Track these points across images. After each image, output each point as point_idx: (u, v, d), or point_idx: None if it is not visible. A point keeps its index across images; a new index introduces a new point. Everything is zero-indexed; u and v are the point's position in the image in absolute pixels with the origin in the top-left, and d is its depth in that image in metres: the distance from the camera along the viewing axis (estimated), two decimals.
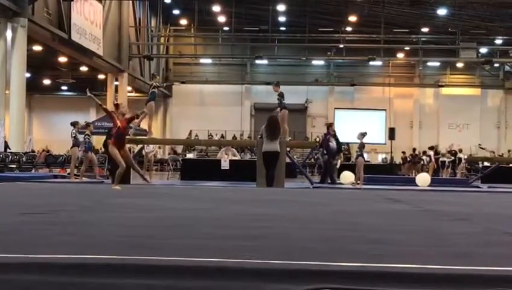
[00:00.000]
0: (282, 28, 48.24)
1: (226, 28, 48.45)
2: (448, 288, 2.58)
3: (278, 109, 17.13)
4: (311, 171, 36.19)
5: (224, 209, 7.21)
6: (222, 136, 46.93)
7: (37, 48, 33.87)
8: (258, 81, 51.38)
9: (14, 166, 24.70)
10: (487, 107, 51.66)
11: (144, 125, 20.17)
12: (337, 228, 5.30)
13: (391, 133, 37.60)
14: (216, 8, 44.79)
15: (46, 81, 49.26)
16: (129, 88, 42.28)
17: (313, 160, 36.92)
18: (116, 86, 40.01)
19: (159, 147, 23.81)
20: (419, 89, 52.13)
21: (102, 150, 23.42)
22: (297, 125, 40.63)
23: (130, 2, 41.48)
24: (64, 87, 51.38)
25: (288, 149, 18.24)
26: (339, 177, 20.07)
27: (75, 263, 2.87)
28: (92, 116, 47.25)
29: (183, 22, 50.00)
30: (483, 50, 48.13)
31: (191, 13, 45.85)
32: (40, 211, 6.05)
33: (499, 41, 47.29)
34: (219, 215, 6.24)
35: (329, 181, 19.63)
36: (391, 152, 38.03)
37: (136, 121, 20.63)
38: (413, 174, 32.10)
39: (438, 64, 51.11)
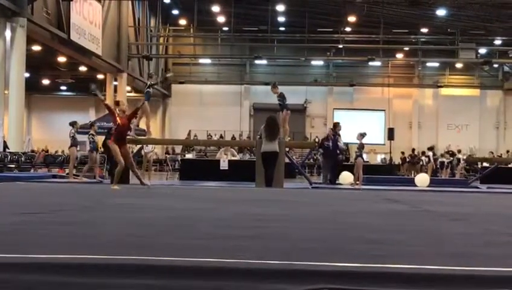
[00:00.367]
0: (282, 28, 48.23)
1: (225, 28, 48.44)
2: (446, 288, 2.58)
3: (282, 111, 17.09)
4: (310, 171, 36.20)
5: (223, 209, 7.21)
6: (221, 136, 46.90)
7: (36, 47, 33.84)
8: (257, 82, 51.34)
9: (13, 166, 24.70)
10: (486, 108, 51.65)
11: (142, 125, 20.19)
12: (336, 228, 5.31)
13: (390, 134, 37.61)
14: (215, 8, 44.77)
15: (45, 81, 49.23)
16: (128, 88, 42.26)
17: (312, 160, 36.98)
18: (115, 86, 39.98)
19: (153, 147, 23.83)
20: (419, 89, 52.12)
21: (102, 150, 23.38)
22: (296, 125, 40.56)
23: (129, 2, 41.45)
24: (63, 87, 51.35)
25: (287, 149, 18.25)
26: (338, 177, 20.08)
27: (74, 263, 2.87)
28: (91, 116, 47.25)
29: (183, 22, 49.96)
30: (483, 51, 48.13)
31: (190, 13, 45.82)
32: (39, 211, 6.05)
33: (498, 41, 47.29)
34: (218, 216, 6.25)
35: (329, 181, 19.65)
36: (390, 152, 38.03)
37: (135, 120, 20.65)
38: (412, 175, 32.14)
39: (437, 64, 51.10)
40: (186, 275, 2.70)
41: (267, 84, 48.79)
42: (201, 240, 4.06)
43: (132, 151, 23.00)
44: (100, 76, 43.41)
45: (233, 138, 46.81)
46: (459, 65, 50.13)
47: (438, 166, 32.68)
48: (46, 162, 27.80)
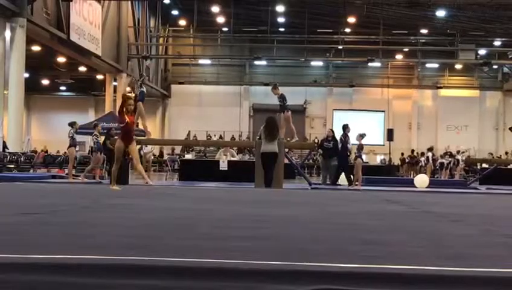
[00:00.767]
0: (281, 29, 48.27)
1: (225, 29, 48.48)
2: (443, 289, 2.59)
3: (283, 112, 17.10)
4: (309, 172, 36.20)
5: (223, 210, 7.22)
6: (221, 137, 46.90)
7: (36, 48, 33.88)
8: (256, 82, 51.38)
9: (12, 166, 24.72)
10: (485, 109, 51.68)
11: (141, 126, 20.18)
12: (335, 228, 5.32)
13: (390, 135, 37.62)
14: (215, 9, 44.80)
15: (45, 81, 49.26)
16: (128, 88, 42.24)
17: (311, 161, 36.98)
18: (115, 87, 39.99)
19: (152, 148, 23.79)
20: (418, 90, 52.16)
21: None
22: (295, 126, 40.43)
23: (129, 2, 41.46)
24: (62, 88, 51.37)
25: (286, 150, 18.25)
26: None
27: (73, 263, 2.88)
28: (90, 116, 47.28)
29: (182, 22, 49.99)
30: (482, 52, 48.16)
31: (190, 14, 45.84)
32: (38, 211, 6.06)
33: (497, 43, 47.33)
34: (218, 216, 6.25)
35: (328, 182, 19.67)
36: (389, 153, 38.05)
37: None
38: (412, 176, 32.15)
39: (436, 65, 51.14)
40: (186, 275, 2.70)
41: (266, 84, 48.98)
42: (201, 240, 4.06)
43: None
44: (100, 76, 43.43)
45: (232, 138, 46.82)
46: (458, 66, 50.18)
47: (437, 167, 32.71)
48: (45, 163, 27.79)
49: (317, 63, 51.35)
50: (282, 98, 17.10)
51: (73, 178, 19.26)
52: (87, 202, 8.19)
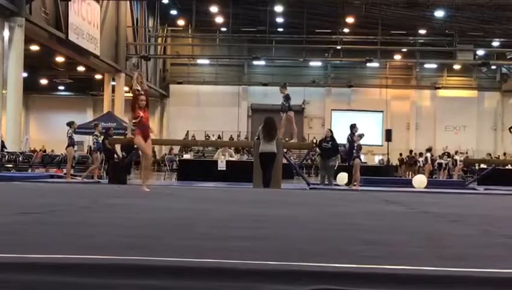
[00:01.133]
0: (280, 29, 48.27)
1: (223, 29, 48.46)
2: (441, 289, 2.59)
3: (286, 112, 17.12)
4: (307, 172, 36.21)
5: (221, 210, 7.22)
6: (219, 137, 46.90)
7: (34, 47, 33.84)
8: (255, 82, 51.41)
9: (11, 166, 24.71)
10: (484, 109, 51.72)
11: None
12: (334, 229, 5.32)
13: (388, 135, 37.64)
14: (214, 9, 44.78)
15: (43, 81, 49.22)
16: (126, 88, 42.24)
17: (309, 161, 36.97)
18: (113, 86, 39.98)
19: None
20: (416, 90, 52.20)
21: None
22: None
23: (128, 2, 41.44)
24: (61, 87, 51.33)
25: (285, 150, 18.25)
26: (335, 178, 20.09)
27: (73, 263, 2.88)
28: (89, 116, 47.27)
29: (181, 22, 49.99)
30: (480, 52, 48.19)
31: (188, 14, 45.84)
32: (36, 211, 6.06)
33: (495, 43, 47.35)
34: (216, 216, 6.25)
35: (326, 183, 19.67)
36: (388, 154, 38.09)
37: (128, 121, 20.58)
38: (410, 176, 32.16)
39: (434, 66, 51.17)
40: (185, 275, 2.70)
41: (265, 84, 49.11)
42: (200, 240, 4.07)
43: (128, 152, 22.98)
44: (98, 76, 43.41)
45: (231, 138, 46.83)
46: (456, 67, 50.21)
47: (436, 167, 32.73)
48: (43, 162, 27.78)
49: (315, 63, 51.37)
50: (287, 98, 17.15)
51: (72, 178, 19.26)
52: (86, 202, 8.19)
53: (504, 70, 51.27)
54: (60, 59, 40.36)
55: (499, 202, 11.96)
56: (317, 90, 51.68)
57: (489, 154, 35.51)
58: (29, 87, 39.80)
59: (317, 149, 21.05)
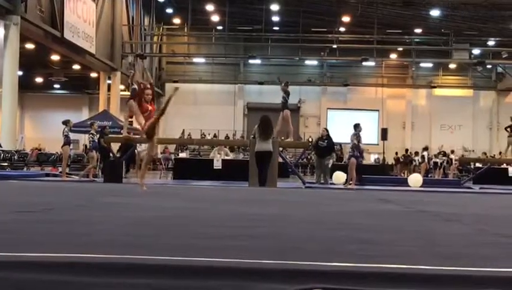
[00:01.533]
0: (276, 28, 48.25)
1: (219, 27, 48.44)
2: (437, 288, 2.60)
3: (283, 110, 17.19)
4: (303, 171, 36.23)
5: (217, 209, 7.22)
6: (215, 136, 46.91)
7: (30, 46, 33.79)
8: (251, 81, 51.42)
9: (6, 164, 24.68)
10: (479, 109, 51.82)
11: (135, 124, 20.14)
12: (329, 228, 5.32)
13: (384, 134, 37.64)
14: (209, 7, 44.78)
15: (39, 79, 49.14)
16: (122, 87, 42.19)
17: (305, 160, 37.01)
18: (109, 85, 39.93)
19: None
20: (412, 89, 52.27)
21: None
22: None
23: (123, 0, 41.40)
24: (56, 86, 51.26)
25: (280, 149, 18.27)
26: (331, 177, 20.11)
27: (68, 261, 2.87)
28: (84, 114, 47.23)
29: (177, 20, 49.96)
30: (476, 51, 48.28)
31: (184, 12, 45.83)
32: (32, 210, 6.04)
33: (491, 42, 47.46)
34: (212, 215, 6.25)
35: (322, 181, 19.68)
36: (383, 153, 38.09)
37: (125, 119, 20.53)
38: (405, 175, 32.21)
39: (430, 65, 51.24)
40: (181, 274, 2.70)
41: (261, 83, 49.13)
42: (196, 239, 4.06)
43: (126, 151, 22.97)
44: (94, 74, 43.35)
45: (227, 137, 46.84)
46: (452, 66, 50.30)
47: (431, 166, 32.78)
48: (39, 161, 27.76)
49: (311, 62, 51.40)
50: (286, 94, 17.22)
51: (67, 176, 19.24)
52: (82, 201, 8.18)
53: (499, 69, 51.36)
54: (55, 57, 40.29)
55: (494, 201, 11.98)
56: (313, 89, 51.70)
57: (485, 153, 35.59)
58: (25, 86, 39.78)
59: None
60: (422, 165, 30.57)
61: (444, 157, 33.24)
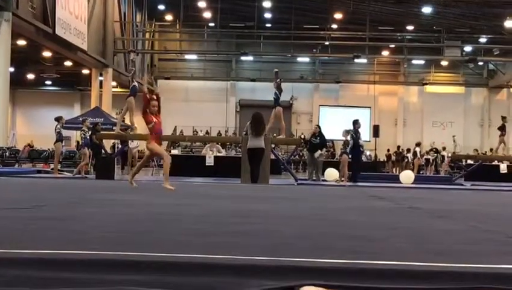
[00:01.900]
0: (268, 25, 48.23)
1: (211, 24, 48.35)
2: (428, 285, 2.61)
3: (275, 107, 17.24)
4: (295, 168, 36.27)
5: (209, 205, 7.22)
6: (207, 133, 46.87)
7: (21, 42, 33.65)
8: (243, 78, 51.39)
9: None
10: (471, 105, 51.96)
11: (127, 121, 20.13)
12: (321, 224, 5.34)
13: (375, 131, 37.70)
14: (202, 4, 44.69)
15: (30, 76, 48.92)
16: (114, 83, 42.10)
17: (297, 157, 37.05)
18: (101, 81, 39.83)
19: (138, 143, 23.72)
20: (404, 86, 52.36)
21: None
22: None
23: None
24: (48, 82, 51.09)
25: (273, 146, 18.28)
26: (323, 174, 20.14)
27: (59, 258, 2.87)
28: (76, 111, 47.09)
29: (169, 17, 49.83)
30: (468, 48, 48.36)
31: (176, 9, 45.71)
32: (23, 206, 6.03)
33: (483, 39, 47.55)
34: (204, 212, 6.26)
35: (314, 178, 19.71)
36: (375, 149, 38.16)
37: (118, 116, 20.51)
38: (397, 172, 32.29)
39: (422, 62, 51.35)
40: (173, 271, 2.71)
41: (253, 80, 49.13)
42: (188, 236, 4.07)
43: (117, 147, 22.95)
44: (85, 71, 43.23)
45: (219, 134, 46.81)
46: (444, 63, 50.39)
47: (423, 163, 32.87)
48: (30, 157, 27.67)
49: (303, 59, 51.41)
50: (279, 91, 17.24)
51: (59, 173, 19.20)
52: (74, 197, 8.17)
53: (491, 66, 51.51)
54: (47, 54, 40.15)
55: (485, 198, 12.03)
56: (305, 86, 51.72)
57: (476, 150, 35.69)
58: (16, 82, 39.66)
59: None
60: (415, 160, 30.62)
61: (435, 154, 33.34)
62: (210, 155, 21.85)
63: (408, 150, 34.80)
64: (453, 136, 34.37)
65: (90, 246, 3.29)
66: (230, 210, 6.55)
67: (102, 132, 20.21)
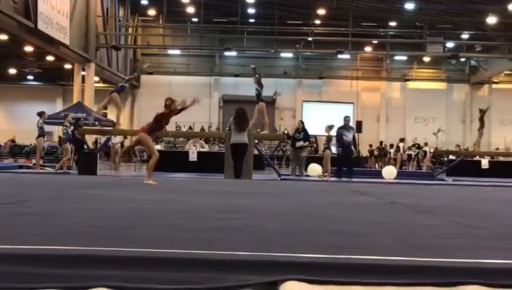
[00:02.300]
0: (251, 20, 48.15)
1: (194, 19, 48.19)
2: (410, 279, 2.63)
3: (258, 103, 17.31)
4: (278, 163, 36.30)
5: (192, 201, 7.22)
6: (190, 128, 46.79)
7: (3, 37, 33.39)
8: (226, 73, 51.29)
9: None
10: (453, 101, 52.23)
11: (111, 116, 20.11)
12: (303, 220, 5.35)
13: (358, 126, 37.81)
14: None
15: (12, 71, 48.55)
16: (96, 78, 41.88)
17: (281, 152, 37.10)
18: (83, 76, 39.61)
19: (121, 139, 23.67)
20: (387, 82, 52.50)
21: None
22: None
23: None
24: (30, 77, 50.73)
25: (256, 141, 18.30)
26: (306, 169, 20.19)
27: (40, 254, 2.86)
28: (58, 106, 46.80)
29: (152, 12, 49.62)
30: (450, 45, 48.57)
31: (159, 3, 45.53)
32: (5, 202, 6.00)
33: (465, 36, 47.80)
34: (187, 207, 6.25)
35: (297, 174, 19.74)
36: (358, 145, 38.28)
37: (100, 112, 20.57)
38: (380, 167, 32.44)
39: (405, 58, 51.49)
40: (155, 266, 2.70)
41: (236, 75, 49.07)
42: (170, 231, 4.07)
43: (99, 143, 22.86)
44: (68, 66, 42.97)
45: (202, 129, 46.74)
46: (426, 59, 50.57)
47: (405, 159, 33.05)
48: (12, 153, 27.51)
49: (287, 54, 51.38)
50: (259, 84, 17.31)
51: (41, 168, 19.10)
52: (56, 193, 8.13)
53: (473, 62, 51.79)
54: (28, 48, 39.87)
55: (466, 193, 12.12)
56: (289, 81, 51.72)
57: (458, 146, 35.92)
58: None
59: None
60: (398, 156, 30.78)
61: (417, 150, 33.52)
62: (193, 151, 21.83)
63: (391, 146, 34.95)
64: (439, 128, 34.50)
65: (72, 242, 3.28)
66: (214, 205, 6.55)
67: (84, 127, 20.13)
